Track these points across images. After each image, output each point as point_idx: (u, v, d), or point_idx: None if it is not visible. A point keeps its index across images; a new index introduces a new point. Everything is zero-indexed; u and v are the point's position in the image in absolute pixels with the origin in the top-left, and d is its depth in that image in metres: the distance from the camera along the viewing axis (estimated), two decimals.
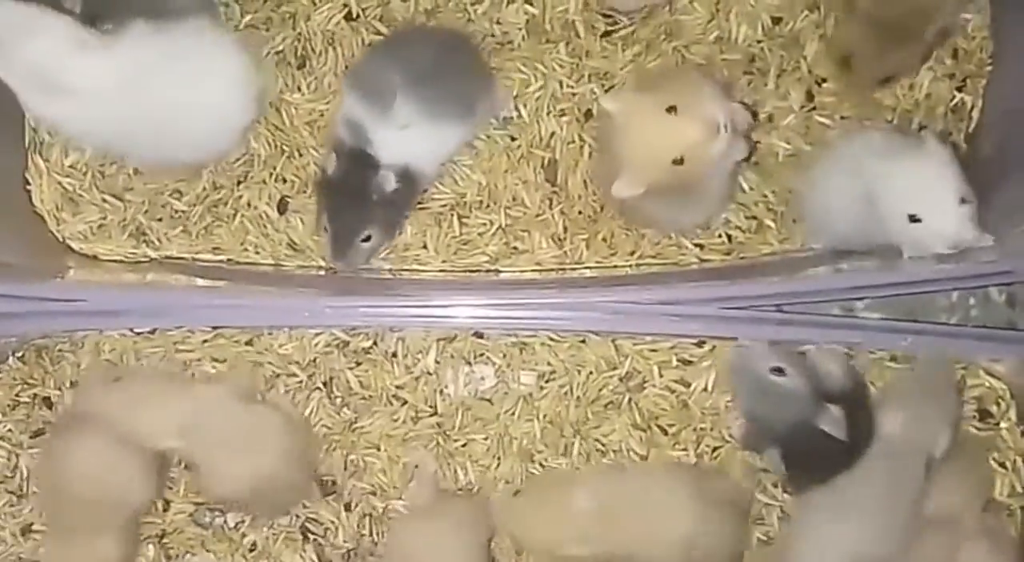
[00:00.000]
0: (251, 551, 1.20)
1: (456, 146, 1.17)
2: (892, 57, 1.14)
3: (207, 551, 1.20)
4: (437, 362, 1.20)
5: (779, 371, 1.08)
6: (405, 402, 1.20)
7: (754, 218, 1.21)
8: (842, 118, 1.21)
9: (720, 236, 1.21)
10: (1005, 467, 1.18)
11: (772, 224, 1.21)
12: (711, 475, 1.16)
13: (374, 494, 1.20)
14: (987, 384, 1.19)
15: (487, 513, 1.16)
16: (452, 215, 1.21)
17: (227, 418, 1.15)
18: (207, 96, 1.14)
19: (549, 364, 1.20)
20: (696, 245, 1.20)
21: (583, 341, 1.19)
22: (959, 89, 1.21)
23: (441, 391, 1.20)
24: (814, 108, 1.21)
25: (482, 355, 1.20)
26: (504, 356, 1.20)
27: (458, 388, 1.21)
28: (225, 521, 1.21)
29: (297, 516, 1.20)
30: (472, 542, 1.15)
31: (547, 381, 1.20)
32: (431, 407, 1.20)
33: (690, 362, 1.19)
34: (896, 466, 1.08)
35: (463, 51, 1.17)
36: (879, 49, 1.13)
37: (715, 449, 1.19)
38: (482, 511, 1.16)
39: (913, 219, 1.05)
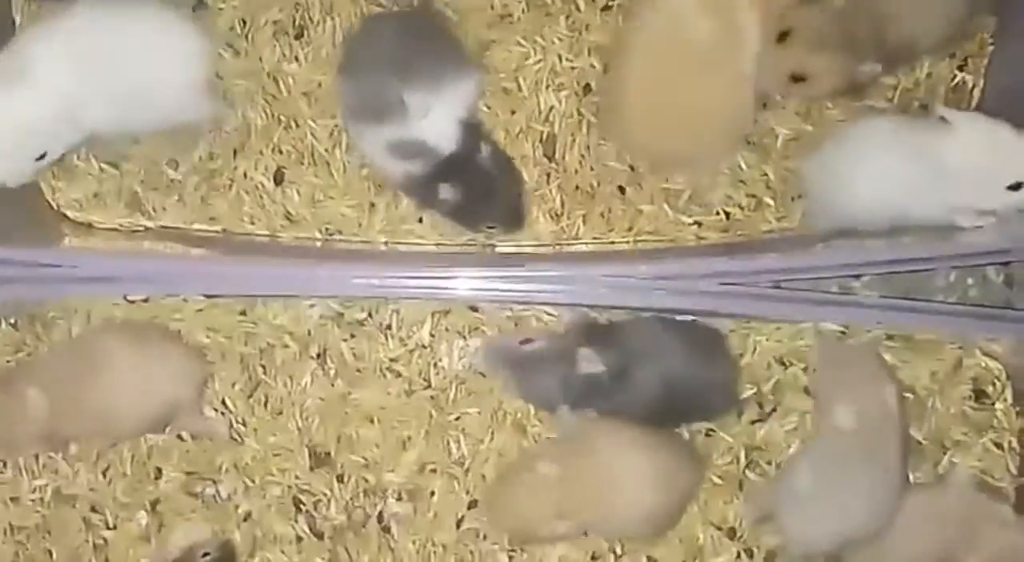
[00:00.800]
0: (244, 521, 1.21)
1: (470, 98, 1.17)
2: (846, 69, 1.12)
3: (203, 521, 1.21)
4: (432, 335, 1.21)
5: (528, 341, 1.13)
6: (399, 375, 1.21)
7: (753, 196, 1.21)
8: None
9: (718, 213, 1.21)
10: (1001, 448, 1.19)
11: (771, 202, 1.21)
12: (668, 439, 1.16)
13: (367, 467, 1.20)
14: (983, 364, 1.19)
15: None
16: None
17: None
18: (158, 69, 1.15)
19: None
20: (694, 222, 1.21)
21: None
22: (960, 68, 1.21)
23: (435, 364, 1.21)
24: None
25: (477, 328, 1.20)
26: (499, 329, 1.20)
27: (452, 361, 1.21)
28: (217, 491, 1.21)
29: (289, 487, 1.20)
30: None
31: None
32: (425, 380, 1.21)
33: None
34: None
35: (428, 24, 1.18)
36: (831, 64, 1.12)
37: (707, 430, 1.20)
38: None
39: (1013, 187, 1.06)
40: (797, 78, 1.12)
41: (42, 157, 1.13)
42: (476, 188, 1.14)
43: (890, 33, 1.11)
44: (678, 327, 1.16)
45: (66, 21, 1.12)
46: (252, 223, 1.23)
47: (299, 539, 1.20)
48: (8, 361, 1.21)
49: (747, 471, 1.19)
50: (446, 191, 1.13)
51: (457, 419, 1.20)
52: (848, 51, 1.11)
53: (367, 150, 1.16)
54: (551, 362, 1.13)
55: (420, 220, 1.22)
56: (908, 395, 1.18)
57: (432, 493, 1.20)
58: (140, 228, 1.23)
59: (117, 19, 1.13)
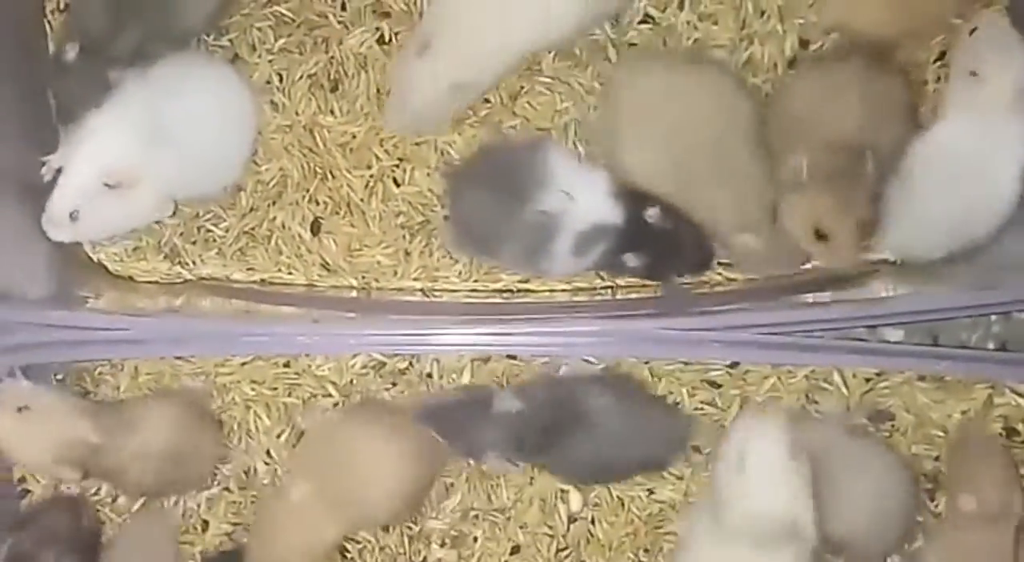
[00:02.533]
0: None
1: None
2: (857, 202, 1.14)
3: None
4: (471, 383, 1.25)
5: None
6: None
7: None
8: None
9: None
10: None
11: None
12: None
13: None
14: (1013, 403, 1.23)
15: None
16: None
17: None
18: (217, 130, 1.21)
19: None
20: (722, 264, 1.24)
21: (618, 365, 1.23)
22: None
23: None
24: None
25: (517, 376, 1.24)
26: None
27: None
28: None
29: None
30: None
31: None
32: None
33: (720, 386, 1.24)
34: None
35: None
36: (843, 203, 1.14)
37: None
38: None
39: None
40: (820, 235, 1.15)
41: None
42: (659, 248, 1.17)
43: None
44: (610, 381, 1.20)
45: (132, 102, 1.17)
46: (290, 273, 1.27)
47: None
48: None
49: None
50: (632, 261, 1.17)
51: None
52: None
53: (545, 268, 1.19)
54: (472, 408, 1.18)
55: (455, 267, 1.25)
56: (940, 433, 1.22)
57: (475, 539, 1.24)
58: (179, 280, 1.27)
59: (178, 86, 1.18)
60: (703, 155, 1.15)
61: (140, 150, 1.15)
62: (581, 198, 1.15)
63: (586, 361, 1.22)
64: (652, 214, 1.15)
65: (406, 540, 1.25)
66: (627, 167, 1.17)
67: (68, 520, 1.21)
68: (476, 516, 1.25)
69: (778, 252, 1.19)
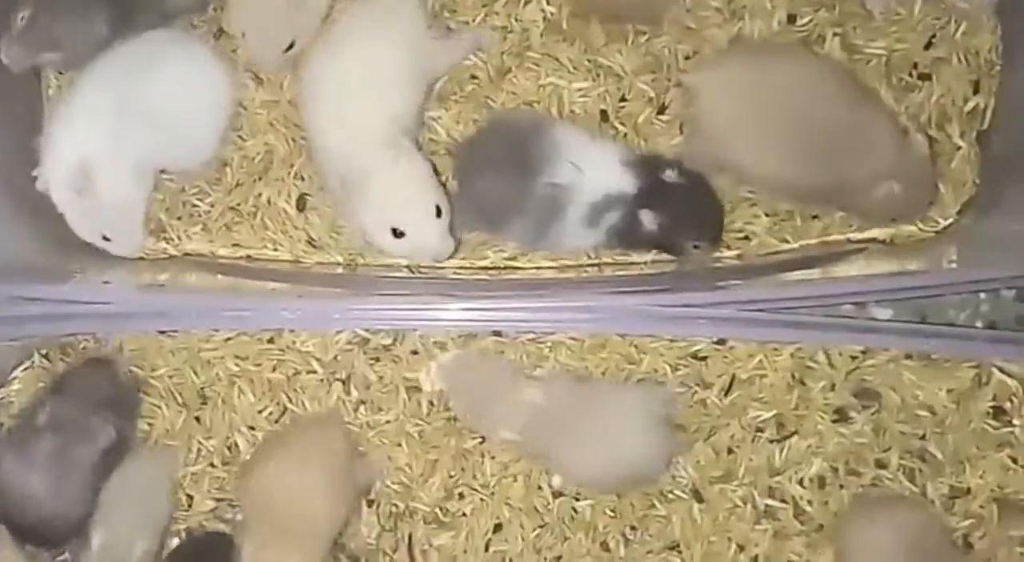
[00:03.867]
0: None
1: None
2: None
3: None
4: None
5: None
6: (425, 399, 1.25)
7: (773, 215, 1.26)
8: None
9: (740, 232, 1.26)
10: (1017, 463, 1.23)
11: (796, 220, 1.26)
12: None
13: (396, 491, 1.25)
14: (1001, 382, 1.24)
15: None
16: None
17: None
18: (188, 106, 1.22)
19: (568, 363, 1.24)
20: None
21: (603, 345, 1.24)
22: (975, 92, 1.25)
23: None
24: None
25: (502, 353, 1.25)
26: (523, 355, 1.25)
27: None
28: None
29: None
30: None
31: None
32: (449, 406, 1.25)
33: (705, 358, 1.24)
34: None
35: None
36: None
37: (729, 449, 1.24)
38: None
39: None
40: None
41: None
42: (676, 209, 1.18)
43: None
44: None
45: (98, 79, 1.19)
46: (275, 249, 1.28)
47: None
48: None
49: None
50: (648, 219, 1.17)
51: (482, 442, 1.25)
52: None
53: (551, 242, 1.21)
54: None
55: None
56: (926, 413, 1.23)
57: (463, 515, 1.24)
58: (164, 256, 1.28)
59: (147, 63, 1.20)
60: (816, 128, 1.16)
61: (110, 127, 1.17)
62: (591, 169, 1.16)
63: None
64: (670, 175, 1.17)
65: (393, 517, 1.25)
66: (751, 169, 1.20)
67: (105, 380, 1.22)
68: (462, 494, 1.25)
69: (918, 191, 1.20)
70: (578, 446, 1.19)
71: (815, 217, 1.25)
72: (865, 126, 1.17)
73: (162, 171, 1.25)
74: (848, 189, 1.18)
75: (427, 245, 1.16)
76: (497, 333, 1.25)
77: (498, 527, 1.24)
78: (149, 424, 1.26)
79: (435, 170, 1.19)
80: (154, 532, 1.21)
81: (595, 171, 1.16)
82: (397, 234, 1.15)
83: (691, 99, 1.21)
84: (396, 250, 1.17)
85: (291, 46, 1.21)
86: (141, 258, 1.27)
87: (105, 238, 1.20)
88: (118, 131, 1.17)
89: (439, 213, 1.15)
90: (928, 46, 1.26)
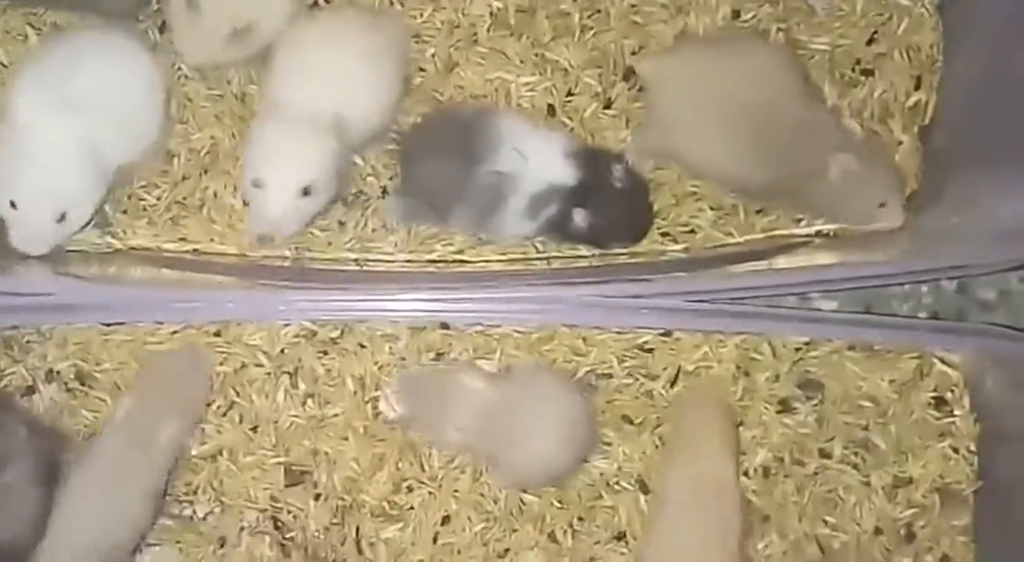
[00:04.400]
0: (221, 547, 1.25)
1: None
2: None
3: (175, 543, 1.25)
4: (404, 353, 1.26)
5: None
6: (373, 392, 1.25)
7: (718, 209, 1.27)
8: None
9: (686, 225, 1.27)
10: (958, 452, 1.25)
11: (741, 214, 1.27)
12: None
13: (343, 484, 1.24)
14: (942, 373, 1.26)
15: None
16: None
17: None
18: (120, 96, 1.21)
19: (514, 355, 1.25)
20: (660, 234, 1.27)
21: (551, 337, 1.25)
22: (916, 88, 1.28)
23: None
24: None
25: (450, 345, 1.25)
26: (470, 349, 1.25)
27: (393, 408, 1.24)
28: (194, 511, 1.25)
29: (265, 510, 1.25)
30: None
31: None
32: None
33: (651, 350, 1.26)
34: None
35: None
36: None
37: None
38: None
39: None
40: None
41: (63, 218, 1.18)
42: (609, 212, 1.20)
43: None
44: None
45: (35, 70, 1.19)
46: (222, 243, 1.27)
47: (276, 558, 1.24)
48: None
49: None
50: (580, 218, 1.19)
51: None
52: None
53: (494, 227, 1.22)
54: None
55: (389, 239, 1.27)
56: (869, 404, 1.25)
57: (410, 508, 1.24)
58: (109, 249, 1.27)
59: (73, 60, 1.20)
60: (768, 119, 1.18)
61: (53, 118, 1.17)
62: (535, 159, 1.18)
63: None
64: (617, 170, 1.19)
65: (340, 511, 1.25)
66: (701, 159, 1.22)
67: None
68: (410, 488, 1.25)
69: (875, 166, 1.20)
70: (509, 447, 1.19)
71: (759, 211, 1.27)
72: (814, 113, 1.19)
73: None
74: (802, 178, 1.19)
75: (266, 213, 1.18)
76: (445, 325, 1.25)
77: (446, 519, 1.25)
78: (95, 417, 1.25)
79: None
80: (183, 426, 1.22)
81: (539, 160, 1.18)
82: (255, 184, 1.17)
83: (642, 88, 1.23)
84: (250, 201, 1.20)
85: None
86: (85, 251, 1.26)
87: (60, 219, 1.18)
88: (56, 124, 1.17)
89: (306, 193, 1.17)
90: (870, 42, 1.28)
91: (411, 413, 1.22)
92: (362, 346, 1.26)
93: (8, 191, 1.16)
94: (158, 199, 1.27)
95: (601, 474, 1.25)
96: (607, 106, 1.27)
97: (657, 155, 1.24)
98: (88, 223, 1.23)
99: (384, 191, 1.27)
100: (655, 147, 1.23)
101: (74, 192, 1.18)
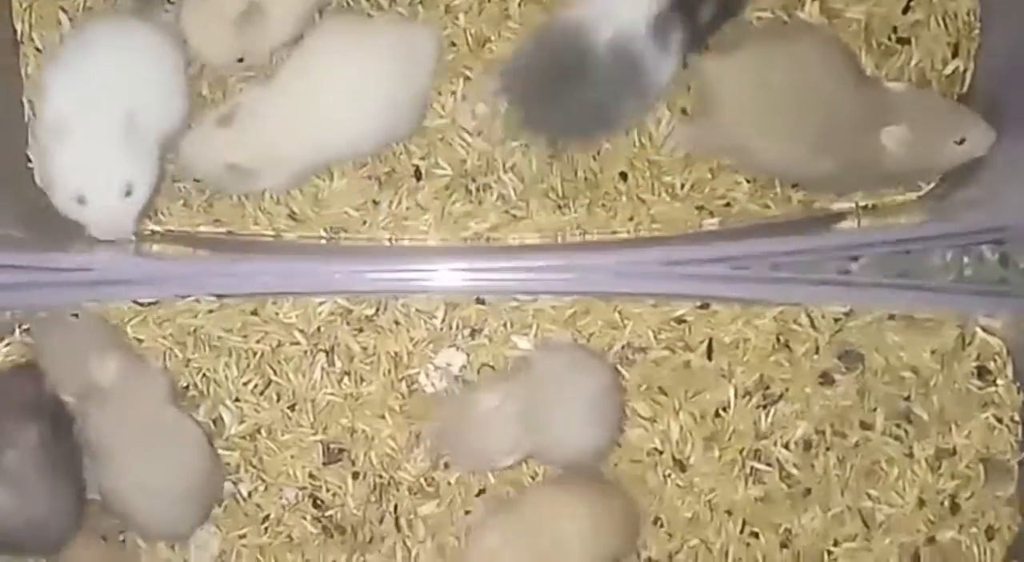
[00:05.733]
0: (263, 524, 1.26)
1: None
2: None
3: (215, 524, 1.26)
4: (440, 329, 1.26)
5: None
6: (409, 369, 1.26)
7: (754, 182, 1.27)
8: None
9: (722, 198, 1.27)
10: (1002, 422, 1.25)
11: (778, 187, 1.27)
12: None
13: (381, 462, 1.26)
14: (984, 342, 1.25)
15: None
16: (452, 184, 1.28)
17: None
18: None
19: (550, 330, 1.26)
20: (696, 207, 1.27)
21: (587, 311, 1.25)
22: (954, 55, 1.27)
23: (444, 358, 1.27)
24: None
25: (485, 320, 1.26)
26: (506, 324, 1.26)
27: (460, 355, 1.27)
28: (237, 490, 1.27)
29: (304, 487, 1.26)
30: None
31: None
32: (434, 373, 1.26)
33: (687, 322, 1.26)
34: None
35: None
36: None
37: (717, 411, 1.26)
38: None
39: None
40: None
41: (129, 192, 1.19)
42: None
43: None
44: None
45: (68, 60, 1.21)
46: (256, 224, 1.28)
47: (316, 536, 1.26)
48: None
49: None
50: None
51: None
52: None
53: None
54: None
55: (424, 217, 1.27)
56: (910, 374, 1.25)
57: (448, 484, 1.25)
58: (148, 232, 1.28)
59: (105, 44, 1.21)
60: (825, 110, 1.19)
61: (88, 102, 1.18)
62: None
63: None
64: None
65: (377, 488, 1.26)
66: (768, 154, 1.22)
67: (30, 388, 1.21)
68: (447, 464, 1.26)
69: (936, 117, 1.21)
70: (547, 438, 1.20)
71: (795, 185, 1.27)
72: (866, 95, 1.20)
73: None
74: (868, 162, 1.20)
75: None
76: (480, 301, 1.26)
77: (480, 493, 1.26)
78: None
79: None
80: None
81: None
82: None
83: (702, 86, 1.24)
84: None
85: (241, 60, 1.24)
86: None
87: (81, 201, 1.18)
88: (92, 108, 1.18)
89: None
90: (906, 10, 1.28)
91: (454, 460, 1.24)
92: (397, 323, 1.27)
93: (72, 190, 1.17)
94: (196, 181, 1.28)
95: (638, 448, 1.26)
96: None
97: (720, 151, 1.25)
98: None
99: (417, 170, 1.28)
100: (719, 144, 1.24)
101: (128, 165, 1.18)
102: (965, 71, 1.28)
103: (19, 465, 1.16)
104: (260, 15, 1.20)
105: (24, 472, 1.16)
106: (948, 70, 1.28)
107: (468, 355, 1.26)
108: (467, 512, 1.26)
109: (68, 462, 1.20)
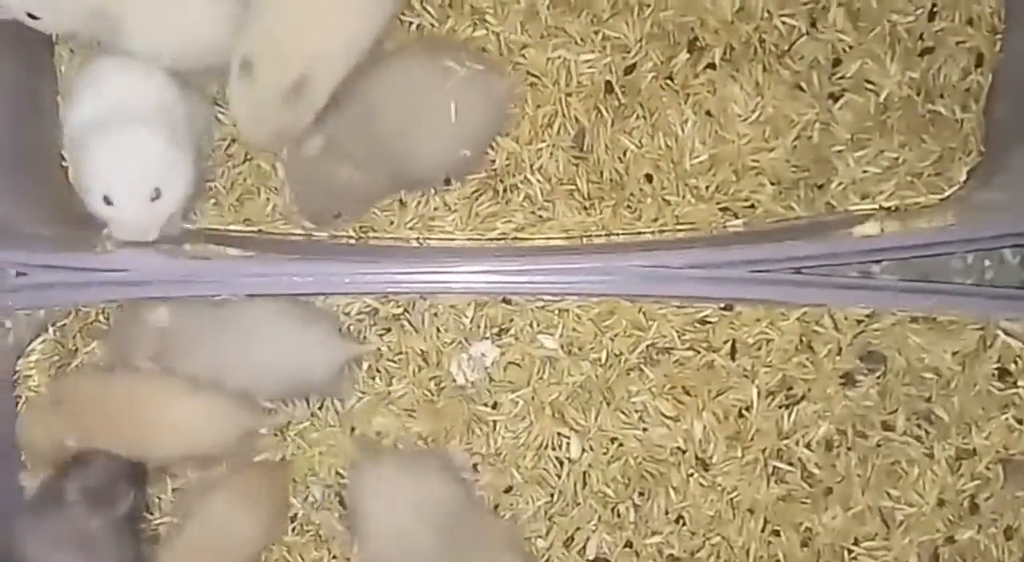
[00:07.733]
0: (291, 523, 1.30)
1: None
2: None
3: None
4: (468, 328, 1.30)
5: None
6: (436, 367, 1.30)
7: (778, 183, 1.29)
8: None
9: (747, 200, 1.29)
10: (1022, 424, 1.27)
11: (801, 189, 1.29)
12: None
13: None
14: (1005, 344, 1.28)
15: None
16: (479, 184, 1.30)
17: None
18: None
19: (576, 330, 1.28)
20: (720, 209, 1.29)
21: (612, 311, 1.28)
22: (978, 61, 1.29)
23: (471, 357, 1.30)
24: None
25: (511, 320, 1.29)
26: (532, 324, 1.29)
27: (487, 354, 1.30)
28: None
29: (331, 485, 1.29)
30: None
31: (575, 346, 1.29)
32: (461, 372, 1.30)
33: (712, 323, 1.29)
34: None
35: None
36: None
37: (740, 411, 1.29)
38: None
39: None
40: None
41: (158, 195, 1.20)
42: None
43: None
44: None
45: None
46: (286, 223, 1.32)
47: (343, 534, 1.29)
48: (58, 368, 1.30)
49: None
50: None
51: (494, 407, 1.29)
52: None
53: None
54: None
55: (451, 217, 1.30)
56: (932, 376, 1.28)
57: (475, 481, 1.28)
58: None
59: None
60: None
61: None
62: None
63: None
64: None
65: None
66: None
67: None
68: (476, 463, 1.29)
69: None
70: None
71: (820, 186, 1.29)
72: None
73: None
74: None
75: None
76: (507, 301, 1.29)
77: (508, 490, 1.29)
78: None
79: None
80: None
81: None
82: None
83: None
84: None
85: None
86: None
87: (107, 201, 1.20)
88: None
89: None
90: (932, 17, 1.29)
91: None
92: (424, 323, 1.30)
93: (99, 190, 1.19)
94: (226, 181, 1.32)
95: (666, 447, 1.28)
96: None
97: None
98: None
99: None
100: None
101: (158, 170, 1.19)
102: (990, 74, 1.29)
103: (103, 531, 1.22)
104: (306, 87, 1.20)
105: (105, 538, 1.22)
106: (973, 74, 1.29)
107: (501, 350, 1.29)
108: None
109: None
